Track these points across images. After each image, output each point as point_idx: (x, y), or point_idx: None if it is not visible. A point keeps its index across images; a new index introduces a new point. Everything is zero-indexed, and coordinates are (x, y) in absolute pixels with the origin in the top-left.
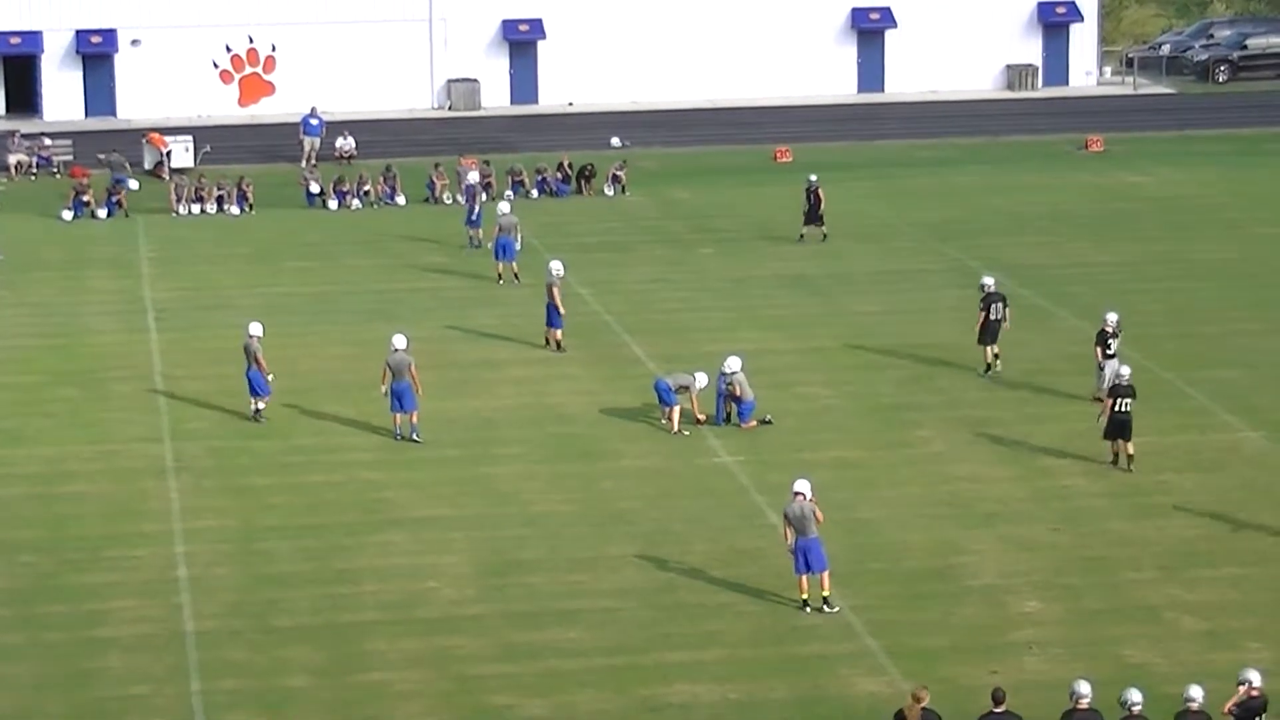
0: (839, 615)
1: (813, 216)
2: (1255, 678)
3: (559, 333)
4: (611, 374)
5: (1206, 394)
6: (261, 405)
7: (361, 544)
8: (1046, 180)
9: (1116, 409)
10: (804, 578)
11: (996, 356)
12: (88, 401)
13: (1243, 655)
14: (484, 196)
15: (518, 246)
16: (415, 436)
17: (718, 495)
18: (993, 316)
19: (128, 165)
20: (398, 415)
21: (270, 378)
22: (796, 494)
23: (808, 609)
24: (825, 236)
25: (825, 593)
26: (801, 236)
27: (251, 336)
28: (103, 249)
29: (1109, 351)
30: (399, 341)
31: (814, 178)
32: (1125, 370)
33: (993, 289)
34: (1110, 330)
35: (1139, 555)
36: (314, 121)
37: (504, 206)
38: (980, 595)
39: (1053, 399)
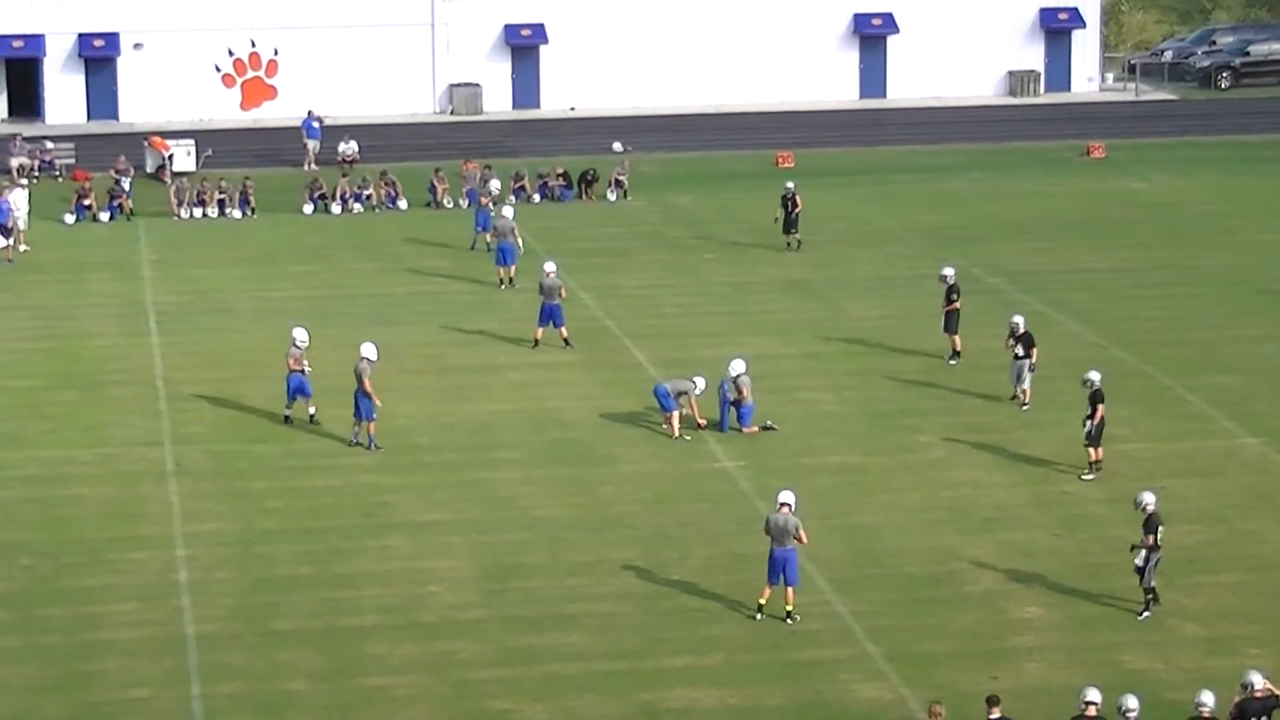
0: (839, 621)
1: (789, 224)
2: (1257, 680)
3: (563, 330)
4: (611, 378)
5: (1205, 400)
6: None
7: (361, 548)
8: (1047, 186)
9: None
10: (770, 588)
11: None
12: (87, 405)
13: (1243, 661)
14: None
15: (520, 250)
16: (355, 439)
17: (717, 500)
18: (958, 306)
19: (131, 170)
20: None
21: (307, 369)
22: (781, 505)
23: (760, 615)
24: (799, 244)
25: (789, 606)
26: (788, 245)
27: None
28: (104, 252)
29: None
30: (365, 350)
31: (791, 185)
32: (1096, 376)
33: (953, 280)
34: (1021, 330)
35: None
36: (315, 125)
37: (507, 211)
38: (980, 601)
39: (1052, 405)
